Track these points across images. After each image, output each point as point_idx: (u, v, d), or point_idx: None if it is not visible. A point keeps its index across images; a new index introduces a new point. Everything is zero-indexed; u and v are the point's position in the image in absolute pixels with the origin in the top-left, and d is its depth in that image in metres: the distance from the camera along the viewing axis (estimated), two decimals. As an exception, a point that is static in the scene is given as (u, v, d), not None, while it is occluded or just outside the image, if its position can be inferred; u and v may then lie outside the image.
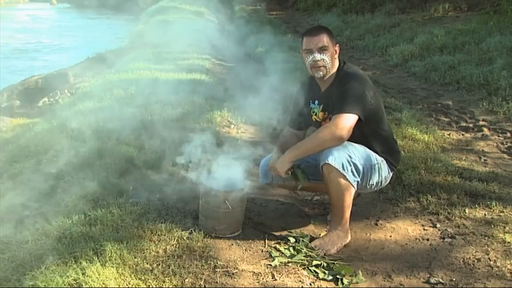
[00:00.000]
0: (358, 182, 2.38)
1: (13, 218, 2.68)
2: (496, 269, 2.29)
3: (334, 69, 2.50)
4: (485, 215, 2.81)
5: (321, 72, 2.46)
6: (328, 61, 2.43)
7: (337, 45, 2.51)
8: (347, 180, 2.31)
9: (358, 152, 2.38)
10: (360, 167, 2.36)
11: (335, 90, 2.45)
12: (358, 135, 2.39)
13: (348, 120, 2.31)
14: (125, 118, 4.06)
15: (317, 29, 2.52)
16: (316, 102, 2.58)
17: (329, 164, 2.28)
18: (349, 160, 2.31)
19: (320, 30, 2.48)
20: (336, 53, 2.48)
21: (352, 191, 2.38)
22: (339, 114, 2.33)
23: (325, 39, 2.43)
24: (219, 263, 2.16)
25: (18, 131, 4.82)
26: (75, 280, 1.90)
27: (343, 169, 2.29)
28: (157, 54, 7.64)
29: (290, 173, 2.42)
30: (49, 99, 7.34)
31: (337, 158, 2.28)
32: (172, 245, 2.24)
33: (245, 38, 10.04)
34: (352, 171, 2.33)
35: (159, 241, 2.26)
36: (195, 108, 4.50)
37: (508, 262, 2.33)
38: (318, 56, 2.42)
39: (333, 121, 2.34)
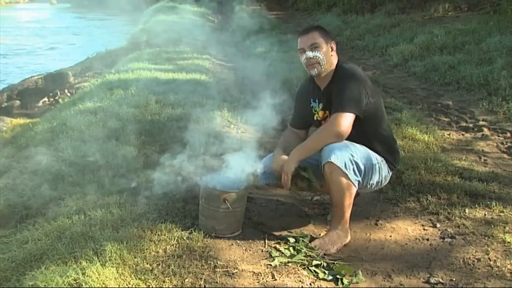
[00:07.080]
0: (359, 181, 2.38)
1: (13, 218, 2.69)
2: (496, 269, 2.29)
3: (332, 67, 2.50)
4: (485, 215, 2.81)
5: (316, 70, 2.47)
6: (322, 57, 2.44)
7: (333, 41, 2.51)
8: (349, 179, 2.31)
9: (360, 152, 2.38)
10: (362, 166, 2.36)
11: (333, 88, 2.46)
12: (358, 135, 2.39)
13: (346, 119, 2.32)
14: (125, 118, 4.06)
15: (308, 28, 2.55)
16: (317, 101, 2.58)
17: (332, 162, 2.28)
18: (351, 159, 2.31)
19: (311, 29, 2.52)
20: (331, 49, 2.49)
21: (353, 190, 2.37)
22: (337, 113, 2.34)
23: (315, 37, 2.45)
24: (219, 263, 2.16)
25: (18, 131, 4.82)
26: (75, 280, 1.90)
27: (346, 168, 2.29)
28: (157, 54, 7.65)
29: (297, 173, 2.42)
30: (49, 99, 7.36)
31: (339, 157, 2.28)
32: (172, 245, 2.24)
33: (245, 38, 10.04)
34: (354, 170, 2.33)
35: (159, 241, 2.25)
36: (195, 108, 4.50)
37: (508, 262, 2.33)
38: (310, 54, 2.44)
39: (331, 120, 2.36)
